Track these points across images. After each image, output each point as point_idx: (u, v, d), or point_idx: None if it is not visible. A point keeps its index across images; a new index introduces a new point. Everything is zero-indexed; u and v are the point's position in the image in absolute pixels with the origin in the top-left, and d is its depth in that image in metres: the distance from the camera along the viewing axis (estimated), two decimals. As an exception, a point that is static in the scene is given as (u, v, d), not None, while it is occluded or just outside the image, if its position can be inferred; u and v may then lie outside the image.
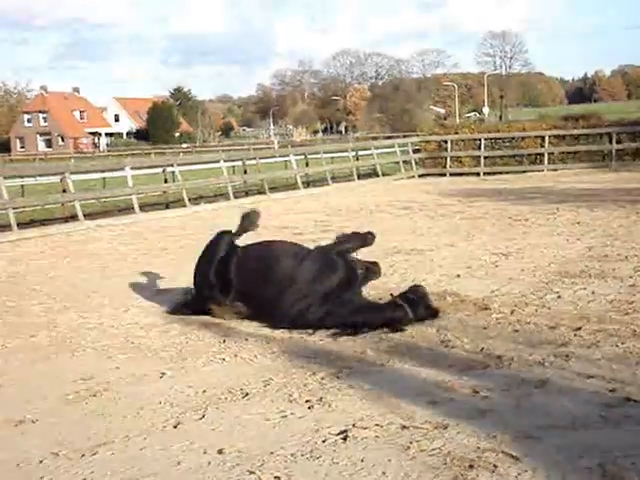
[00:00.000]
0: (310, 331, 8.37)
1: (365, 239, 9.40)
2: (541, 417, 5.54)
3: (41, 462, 5.23)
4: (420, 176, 35.81)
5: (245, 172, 33.74)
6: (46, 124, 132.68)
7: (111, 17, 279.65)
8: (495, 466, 4.75)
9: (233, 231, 9.63)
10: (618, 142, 33.05)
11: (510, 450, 4.97)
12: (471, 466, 4.76)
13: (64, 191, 23.96)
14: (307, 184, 33.91)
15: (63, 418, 6.14)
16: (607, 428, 5.31)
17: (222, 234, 9.57)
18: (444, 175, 35.12)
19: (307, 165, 35.85)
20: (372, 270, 9.11)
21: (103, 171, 28.62)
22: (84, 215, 22.02)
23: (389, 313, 8.35)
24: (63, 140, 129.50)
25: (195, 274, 9.46)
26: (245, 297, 8.87)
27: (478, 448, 5.03)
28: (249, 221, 9.68)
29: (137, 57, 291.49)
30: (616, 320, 8.22)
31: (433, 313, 8.55)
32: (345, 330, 8.18)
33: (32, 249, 17.07)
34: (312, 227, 17.63)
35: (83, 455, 5.31)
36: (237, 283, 8.91)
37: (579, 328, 7.94)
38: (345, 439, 5.33)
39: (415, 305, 8.41)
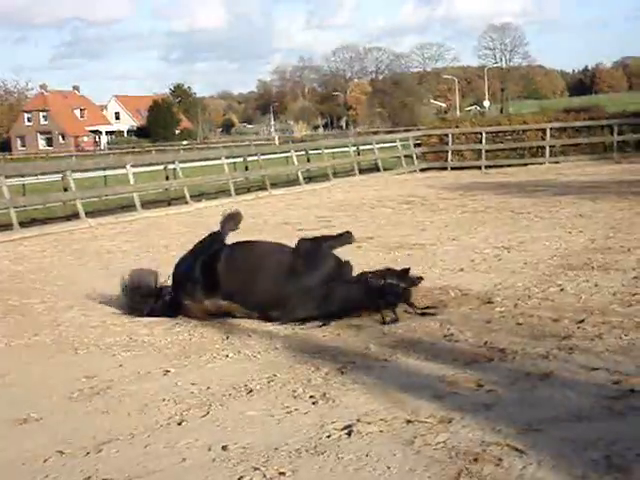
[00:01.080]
0: (314, 326, 8.39)
1: (344, 239, 9.42)
2: (545, 410, 5.54)
3: (46, 461, 5.23)
4: (421, 170, 35.78)
5: (246, 168, 33.74)
6: (46, 123, 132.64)
7: (111, 15, 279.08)
8: (500, 459, 4.75)
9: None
10: (620, 134, 33.00)
11: (515, 443, 4.96)
12: (476, 459, 4.76)
13: (65, 190, 24.00)
14: (308, 179, 33.90)
15: (67, 416, 6.14)
16: (612, 420, 5.30)
17: (213, 234, 9.57)
18: (445, 169, 35.08)
19: (308, 161, 35.84)
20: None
21: (104, 169, 28.59)
22: (86, 213, 22.02)
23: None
24: (64, 138, 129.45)
25: (177, 270, 9.44)
26: (234, 294, 8.87)
27: (483, 442, 5.03)
28: (233, 222, 9.63)
29: (137, 54, 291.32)
30: (619, 312, 8.22)
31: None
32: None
33: (34, 248, 17.08)
34: (314, 222, 17.58)
35: (88, 453, 5.31)
36: (226, 280, 8.90)
37: (582, 321, 7.94)
38: (350, 434, 5.33)
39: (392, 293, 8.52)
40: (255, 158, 33.16)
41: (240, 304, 8.87)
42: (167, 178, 28.95)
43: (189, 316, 9.10)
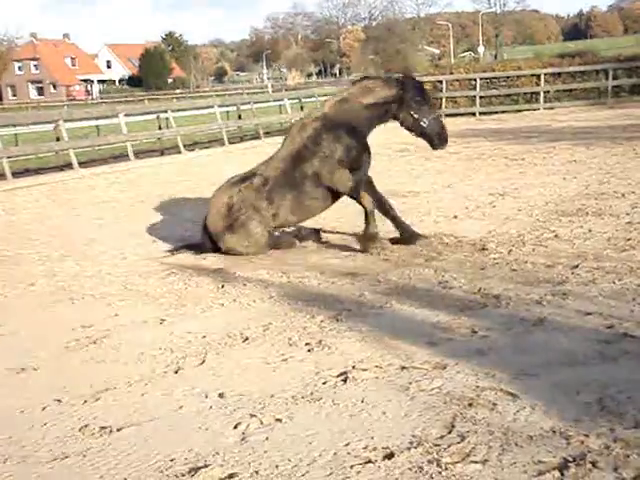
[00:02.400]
0: (308, 275, 8.42)
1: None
2: (539, 355, 5.58)
3: (44, 409, 5.28)
4: (415, 117, 35.61)
5: (239, 117, 33.56)
6: (37, 72, 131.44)
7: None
8: (494, 404, 4.80)
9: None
10: (614, 78, 32.75)
11: (509, 388, 5.01)
12: (470, 404, 4.81)
13: (58, 139, 23.87)
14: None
15: (64, 365, 6.18)
16: (605, 364, 5.34)
17: None
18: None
19: (302, 109, 35.62)
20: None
21: (97, 118, 28.36)
22: (79, 163, 21.93)
23: None
24: (55, 88, 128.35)
25: None
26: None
27: (477, 387, 5.08)
28: None
29: (127, 1, 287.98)
30: (613, 257, 8.25)
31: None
32: None
33: (27, 198, 17.05)
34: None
35: (85, 401, 5.35)
36: None
37: (576, 266, 7.97)
38: (345, 381, 5.37)
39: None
40: (248, 107, 32.99)
41: None
42: (160, 127, 28.81)
43: None
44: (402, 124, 9.87)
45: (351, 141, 9.55)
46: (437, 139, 9.86)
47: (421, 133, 9.84)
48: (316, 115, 9.86)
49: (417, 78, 10.37)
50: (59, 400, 5.40)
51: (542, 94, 33.55)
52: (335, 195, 9.77)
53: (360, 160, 9.64)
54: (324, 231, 10.50)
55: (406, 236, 9.59)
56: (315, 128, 9.65)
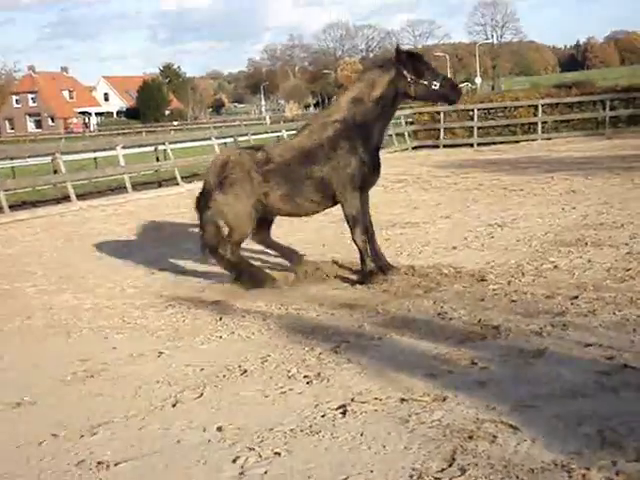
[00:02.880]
0: (307, 306, 8.39)
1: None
2: (539, 386, 5.55)
3: (40, 444, 5.23)
4: (414, 148, 35.68)
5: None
6: (35, 104, 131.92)
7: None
8: (494, 436, 4.76)
9: None
10: (612, 109, 32.89)
11: (509, 420, 4.97)
12: (470, 437, 4.77)
13: (55, 172, 23.90)
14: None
15: (62, 399, 6.14)
16: (605, 395, 5.31)
17: None
18: (438, 147, 34.98)
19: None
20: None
21: (94, 151, 28.46)
22: (76, 196, 21.95)
23: None
24: (53, 120, 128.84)
25: None
26: None
27: (477, 419, 5.04)
28: None
29: (126, 34, 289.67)
30: (613, 288, 8.23)
31: None
32: None
33: (25, 231, 17.04)
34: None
35: (83, 436, 5.31)
36: None
37: (576, 297, 7.95)
38: (344, 414, 5.33)
39: None
40: (246, 138, 33.05)
41: None
42: (158, 159, 28.87)
43: None
44: (416, 97, 9.94)
45: (366, 156, 9.49)
46: (454, 94, 9.89)
47: (437, 95, 9.91)
48: (335, 117, 9.61)
49: (409, 49, 10.39)
50: (56, 435, 5.36)
51: (540, 125, 33.70)
52: (329, 206, 9.80)
53: (370, 180, 9.68)
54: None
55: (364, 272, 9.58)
56: (335, 130, 9.49)
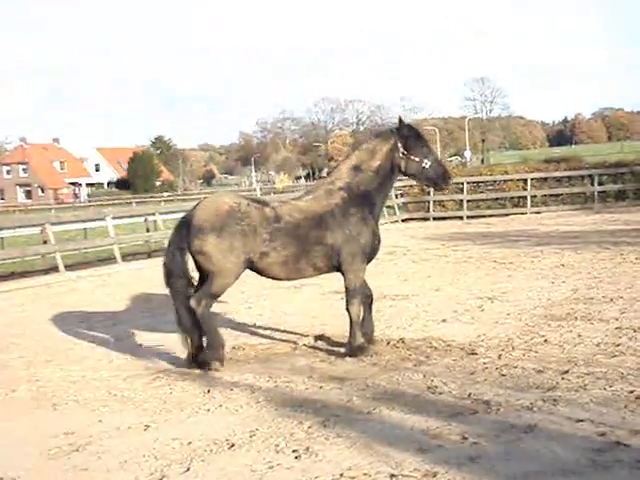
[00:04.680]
0: (295, 379, 8.33)
1: None
2: (530, 463, 5.49)
3: (23, 520, 5.13)
4: (403, 220, 35.78)
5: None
6: (26, 175, 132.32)
7: (89, 68, 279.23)
8: (486, 515, 4.69)
9: None
10: (600, 184, 33.17)
11: (501, 498, 4.90)
12: (462, 515, 4.69)
13: (45, 242, 23.83)
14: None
15: (46, 474, 6.05)
16: (597, 473, 5.25)
17: None
18: (427, 219, 35.12)
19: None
20: None
21: (84, 221, 28.43)
22: (65, 266, 21.87)
23: None
24: (43, 191, 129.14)
25: None
26: None
27: (468, 496, 4.97)
28: None
29: (118, 106, 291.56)
30: (603, 363, 8.19)
31: None
32: None
33: (12, 301, 16.93)
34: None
35: (66, 512, 5.21)
36: None
37: (567, 372, 7.91)
38: (333, 489, 5.25)
39: None
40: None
41: None
42: (148, 230, 28.86)
43: None
44: (406, 172, 9.77)
45: (374, 226, 9.53)
46: (443, 180, 9.85)
47: (426, 177, 9.77)
48: (339, 185, 9.54)
49: (410, 123, 10.34)
50: (38, 510, 5.26)
51: (529, 198, 33.89)
52: (327, 272, 9.69)
53: (375, 251, 9.67)
54: (305, 335, 10.43)
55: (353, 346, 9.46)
56: (342, 198, 9.43)
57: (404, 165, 9.62)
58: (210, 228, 8.99)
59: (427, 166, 9.60)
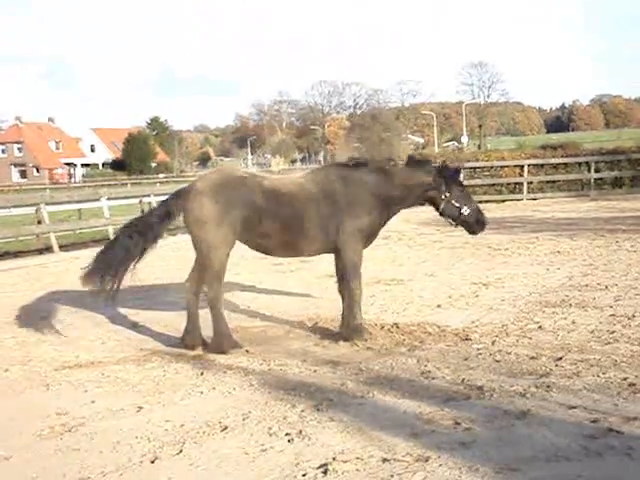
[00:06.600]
0: (289, 362, 8.32)
1: None
2: (523, 449, 5.49)
3: (14, 500, 5.13)
4: (399, 205, 35.74)
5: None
6: (21, 155, 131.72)
7: (88, 52, 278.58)
8: (478, 500, 4.69)
9: None
10: (597, 171, 33.15)
11: (493, 483, 4.90)
12: (453, 500, 4.70)
13: (39, 222, 23.80)
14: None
15: (38, 454, 6.03)
16: (589, 459, 5.25)
17: None
18: (423, 204, 35.06)
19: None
20: None
21: (79, 202, 28.39)
22: (59, 246, 21.85)
23: None
24: (38, 171, 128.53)
25: None
26: None
27: (460, 481, 4.97)
28: None
29: (114, 86, 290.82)
30: (597, 350, 8.20)
31: None
32: None
33: (6, 281, 16.88)
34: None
35: (58, 492, 5.21)
36: None
37: (560, 358, 7.91)
38: (325, 472, 5.25)
39: None
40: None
41: None
42: (142, 211, 28.82)
43: None
44: (442, 213, 9.86)
45: (376, 219, 9.53)
46: (477, 226, 9.92)
47: (462, 221, 9.84)
48: (359, 175, 9.54)
49: (455, 166, 10.38)
50: (30, 491, 5.25)
51: (525, 184, 33.84)
52: (323, 252, 9.68)
53: (374, 236, 9.68)
54: (300, 319, 10.42)
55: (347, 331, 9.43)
56: (362, 179, 9.49)
57: (443, 207, 9.75)
58: (204, 195, 8.99)
59: (466, 213, 9.67)
